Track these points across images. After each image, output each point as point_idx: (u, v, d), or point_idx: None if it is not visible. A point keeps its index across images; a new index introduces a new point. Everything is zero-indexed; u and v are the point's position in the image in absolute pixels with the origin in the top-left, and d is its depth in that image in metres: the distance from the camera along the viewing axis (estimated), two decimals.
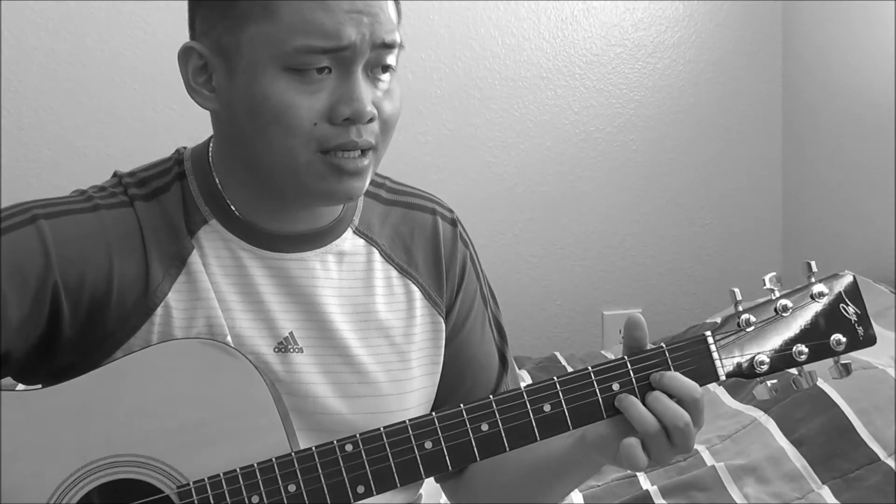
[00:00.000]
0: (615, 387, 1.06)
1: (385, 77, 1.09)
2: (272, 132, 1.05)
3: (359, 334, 1.16)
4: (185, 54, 1.10)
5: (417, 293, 1.21)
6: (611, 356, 2.56)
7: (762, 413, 1.94)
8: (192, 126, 2.50)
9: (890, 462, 1.72)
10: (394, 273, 1.20)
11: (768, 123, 3.04)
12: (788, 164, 3.04)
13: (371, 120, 1.07)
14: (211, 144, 1.17)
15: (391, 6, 1.08)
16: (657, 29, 2.95)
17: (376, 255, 1.20)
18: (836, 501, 1.69)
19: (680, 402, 1.04)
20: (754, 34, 3.00)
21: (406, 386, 1.18)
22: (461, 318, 1.25)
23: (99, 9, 2.62)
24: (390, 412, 1.15)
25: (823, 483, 1.74)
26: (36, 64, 2.60)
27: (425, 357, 1.21)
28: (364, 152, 1.07)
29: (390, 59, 1.08)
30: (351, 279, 1.18)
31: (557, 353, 2.66)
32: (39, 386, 1.12)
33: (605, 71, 2.93)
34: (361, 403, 1.15)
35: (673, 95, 2.98)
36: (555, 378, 1.06)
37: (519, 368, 2.46)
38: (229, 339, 1.10)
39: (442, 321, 1.22)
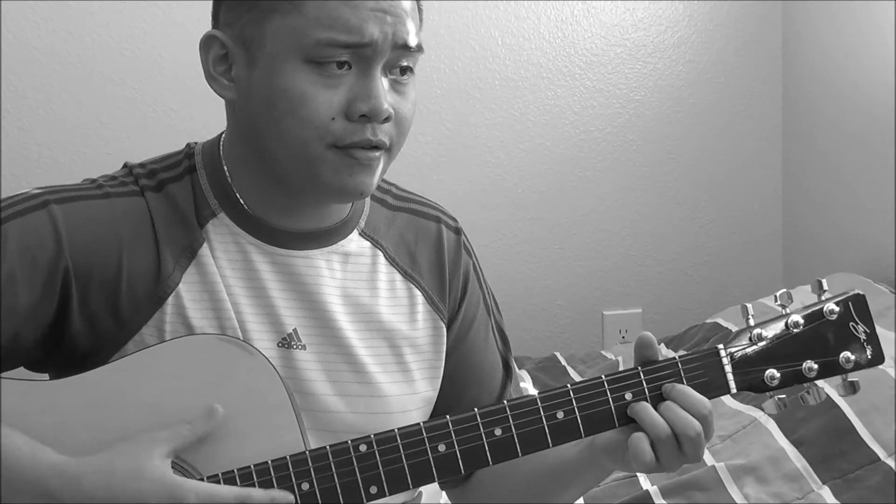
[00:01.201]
0: (628, 396, 1.08)
1: (403, 79, 1.10)
2: (287, 123, 1.06)
3: (361, 335, 1.17)
4: (206, 43, 1.11)
5: (420, 297, 1.22)
6: (611, 356, 2.58)
7: (762, 413, 1.94)
8: (193, 126, 2.51)
9: (890, 462, 1.72)
10: (398, 276, 1.21)
11: (768, 123, 3.04)
12: (788, 163, 3.04)
13: (387, 119, 1.07)
14: (222, 139, 1.17)
15: (415, 11, 1.10)
16: (657, 29, 2.95)
17: (381, 258, 1.21)
18: (836, 501, 1.69)
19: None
20: (754, 34, 3.00)
21: (405, 388, 1.19)
22: (465, 327, 1.26)
23: (99, 9, 2.62)
24: (389, 413, 1.15)
25: (823, 483, 1.74)
26: (36, 64, 2.60)
27: (426, 361, 1.21)
28: (377, 149, 1.08)
29: (409, 62, 1.10)
30: (355, 280, 1.18)
31: (557, 354, 2.66)
32: (47, 376, 1.12)
33: (605, 71, 2.93)
34: (360, 403, 1.15)
35: (673, 95, 2.98)
36: (568, 385, 1.07)
37: (519, 368, 2.46)
38: (239, 332, 1.11)
39: (444, 327, 1.23)
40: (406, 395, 1.18)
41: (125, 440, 1.00)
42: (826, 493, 1.72)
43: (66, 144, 2.63)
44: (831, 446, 1.79)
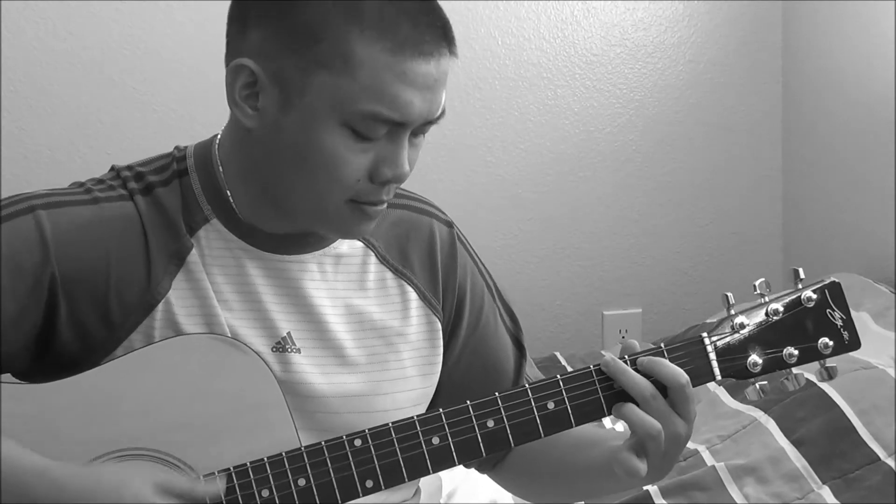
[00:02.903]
0: (616, 385, 1.09)
1: (419, 140, 1.12)
2: (314, 178, 1.07)
3: (354, 335, 1.17)
4: (235, 70, 1.07)
5: (413, 294, 1.22)
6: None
7: (762, 413, 1.94)
8: (192, 126, 2.50)
9: (890, 462, 1.73)
10: (388, 275, 1.21)
11: (768, 123, 3.04)
12: (788, 163, 3.04)
13: None
14: (217, 145, 1.16)
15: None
16: (657, 29, 2.95)
17: (372, 258, 1.21)
18: (836, 501, 1.70)
19: (669, 389, 1.07)
20: (754, 34, 3.00)
21: (400, 385, 1.19)
22: (474, 320, 1.26)
23: (99, 9, 2.61)
24: (385, 411, 1.15)
25: (823, 483, 1.74)
26: (36, 64, 2.60)
27: (421, 358, 1.22)
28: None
29: (430, 127, 1.12)
30: (346, 281, 1.19)
31: (557, 353, 2.66)
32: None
33: (605, 71, 2.93)
34: (357, 403, 1.16)
35: (673, 95, 2.98)
36: (558, 376, 1.09)
37: None
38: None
39: (438, 322, 1.23)
40: (402, 392, 1.19)
41: (116, 462, 1.01)
42: (826, 492, 1.72)
43: (66, 144, 2.62)
44: (831, 446, 1.79)
